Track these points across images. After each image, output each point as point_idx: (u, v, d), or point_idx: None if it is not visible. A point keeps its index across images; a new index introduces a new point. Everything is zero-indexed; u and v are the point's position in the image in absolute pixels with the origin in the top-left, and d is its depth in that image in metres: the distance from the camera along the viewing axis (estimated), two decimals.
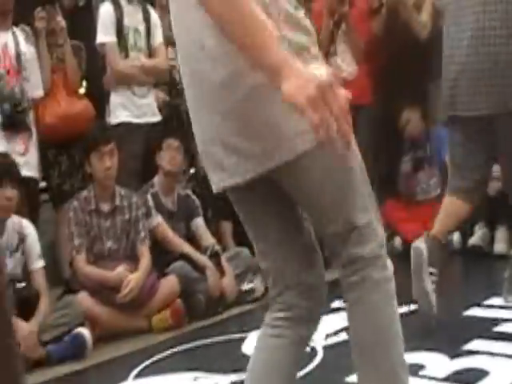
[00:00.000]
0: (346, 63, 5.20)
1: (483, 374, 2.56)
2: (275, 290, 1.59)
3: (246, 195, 1.53)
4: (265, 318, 1.61)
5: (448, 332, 2.52)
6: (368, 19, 5.18)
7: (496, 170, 4.15)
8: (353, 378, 2.56)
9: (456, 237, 4.54)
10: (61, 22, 4.22)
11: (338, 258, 1.50)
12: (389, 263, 1.52)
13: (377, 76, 5.12)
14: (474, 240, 4.37)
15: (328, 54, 5.20)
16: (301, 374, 2.67)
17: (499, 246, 4.09)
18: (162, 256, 3.87)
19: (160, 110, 4.45)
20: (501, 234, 4.11)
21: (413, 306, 3.27)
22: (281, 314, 1.58)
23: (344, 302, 1.54)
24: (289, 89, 1.25)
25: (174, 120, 4.62)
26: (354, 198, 1.47)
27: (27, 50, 4.00)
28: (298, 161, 1.40)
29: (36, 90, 4.06)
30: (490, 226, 3.98)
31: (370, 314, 1.49)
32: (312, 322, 1.62)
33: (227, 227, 4.45)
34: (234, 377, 2.76)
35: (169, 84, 4.64)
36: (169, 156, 4.09)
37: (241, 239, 4.41)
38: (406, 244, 3.93)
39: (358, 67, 5.16)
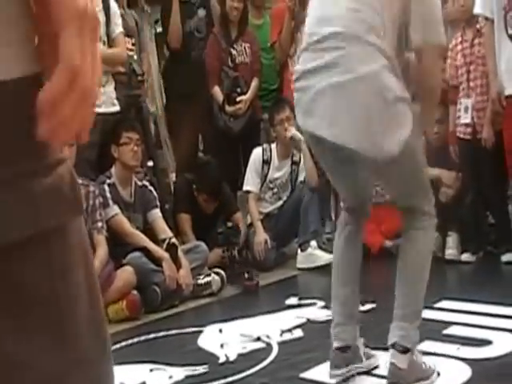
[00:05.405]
0: None
1: None
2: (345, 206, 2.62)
3: None
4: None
5: None
6: None
7: (448, 176, 4.28)
8: (307, 374, 2.62)
9: None
10: None
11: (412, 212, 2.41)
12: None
13: None
14: None
15: (288, 56, 5.26)
16: (256, 369, 2.73)
17: (450, 252, 4.20)
18: (119, 247, 3.84)
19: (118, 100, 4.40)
20: (452, 239, 4.22)
21: (369, 305, 3.35)
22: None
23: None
24: None
25: (133, 111, 4.59)
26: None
27: None
28: None
29: None
30: (441, 232, 4.07)
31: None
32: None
33: (186, 220, 4.46)
34: (189, 370, 2.77)
35: (128, 74, 4.60)
36: (130, 150, 4.02)
37: (198, 233, 4.42)
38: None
39: None
